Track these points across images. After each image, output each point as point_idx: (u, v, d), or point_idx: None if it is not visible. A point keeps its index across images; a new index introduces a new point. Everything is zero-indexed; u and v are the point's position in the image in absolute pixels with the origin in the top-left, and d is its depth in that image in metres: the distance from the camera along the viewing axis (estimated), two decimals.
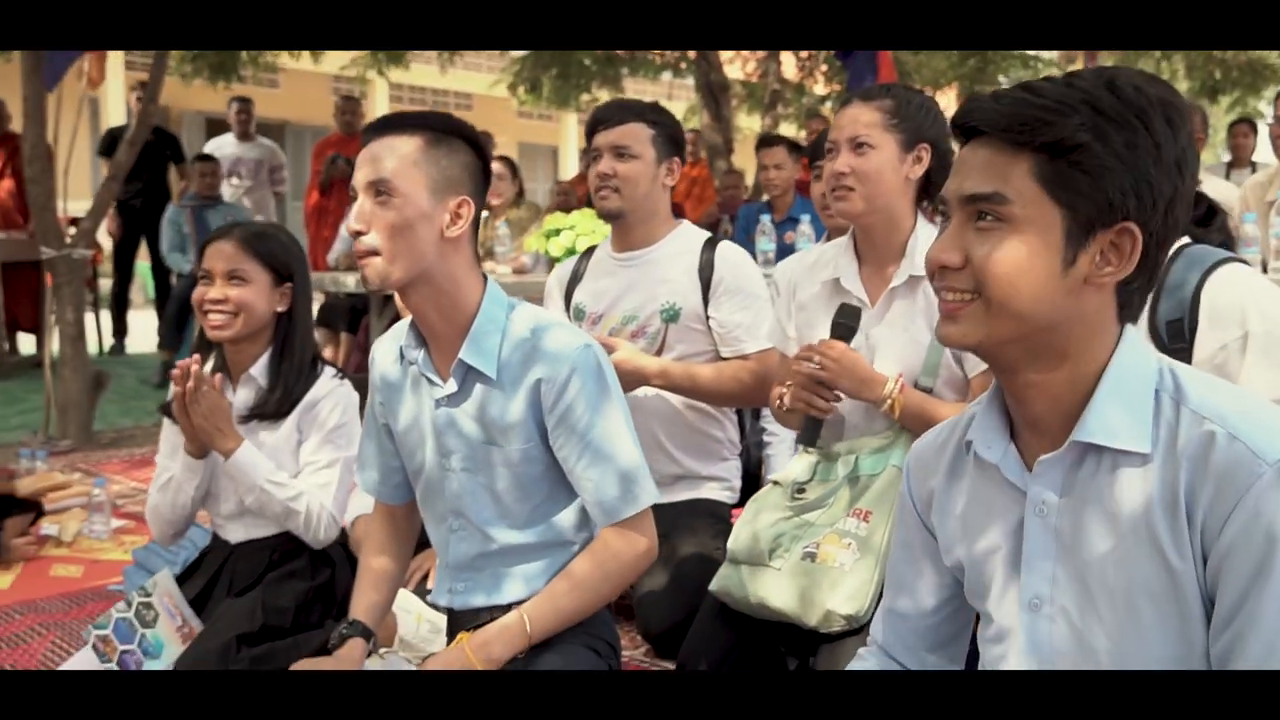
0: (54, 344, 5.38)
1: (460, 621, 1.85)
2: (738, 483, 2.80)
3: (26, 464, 4.31)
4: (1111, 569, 1.13)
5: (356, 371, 4.43)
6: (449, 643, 1.84)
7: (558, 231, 4.68)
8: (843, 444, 2.10)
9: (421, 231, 1.68)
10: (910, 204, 2.13)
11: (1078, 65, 6.94)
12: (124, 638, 2.06)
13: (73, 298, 5.26)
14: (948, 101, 10.49)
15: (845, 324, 2.07)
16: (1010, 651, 1.22)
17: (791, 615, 1.96)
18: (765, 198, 5.89)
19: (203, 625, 2.17)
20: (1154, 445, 1.11)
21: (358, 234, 1.69)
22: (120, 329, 8.31)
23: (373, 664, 1.85)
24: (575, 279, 2.81)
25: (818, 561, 1.96)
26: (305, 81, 14.70)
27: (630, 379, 2.45)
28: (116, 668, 2.03)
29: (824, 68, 11.17)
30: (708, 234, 2.73)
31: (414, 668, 1.83)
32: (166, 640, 2.10)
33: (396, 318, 4.35)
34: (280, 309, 2.26)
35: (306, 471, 2.24)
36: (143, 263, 8.37)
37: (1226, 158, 7.91)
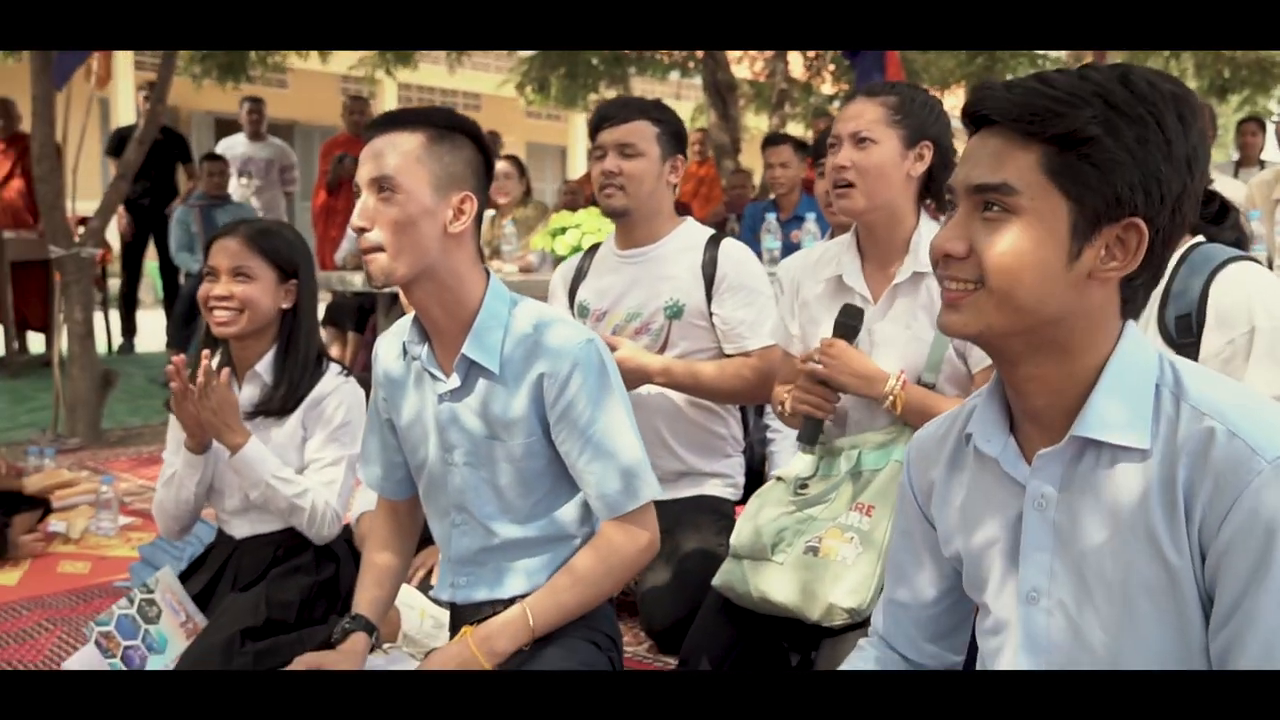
0: (63, 343, 5.40)
1: (463, 616, 1.85)
2: (741, 479, 2.80)
3: (35, 461, 4.33)
4: (1109, 563, 1.13)
5: (364, 370, 4.44)
6: (452, 637, 1.84)
7: (564, 230, 4.69)
8: (846, 439, 2.10)
9: (425, 227, 1.69)
10: (912, 201, 2.13)
11: None
12: (127, 634, 2.06)
13: (81, 296, 5.28)
14: (956, 101, 10.46)
15: (848, 324, 2.08)
16: (1007, 644, 1.22)
17: (793, 609, 1.96)
18: (772, 196, 5.89)
19: (207, 620, 2.18)
20: (1153, 440, 1.10)
21: (361, 230, 1.69)
22: (129, 328, 8.35)
23: (376, 659, 1.86)
24: (579, 276, 2.81)
25: (820, 556, 1.96)
26: (314, 82, 14.73)
27: (633, 377, 2.45)
28: (121, 663, 2.04)
29: (831, 67, 11.16)
30: (711, 231, 2.73)
31: (417, 662, 1.84)
32: (170, 635, 2.11)
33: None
34: (285, 306, 2.27)
35: (311, 468, 2.25)
36: (151, 262, 8.40)
37: (1236, 156, 7.90)
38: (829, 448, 2.11)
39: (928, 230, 2.10)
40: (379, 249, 1.68)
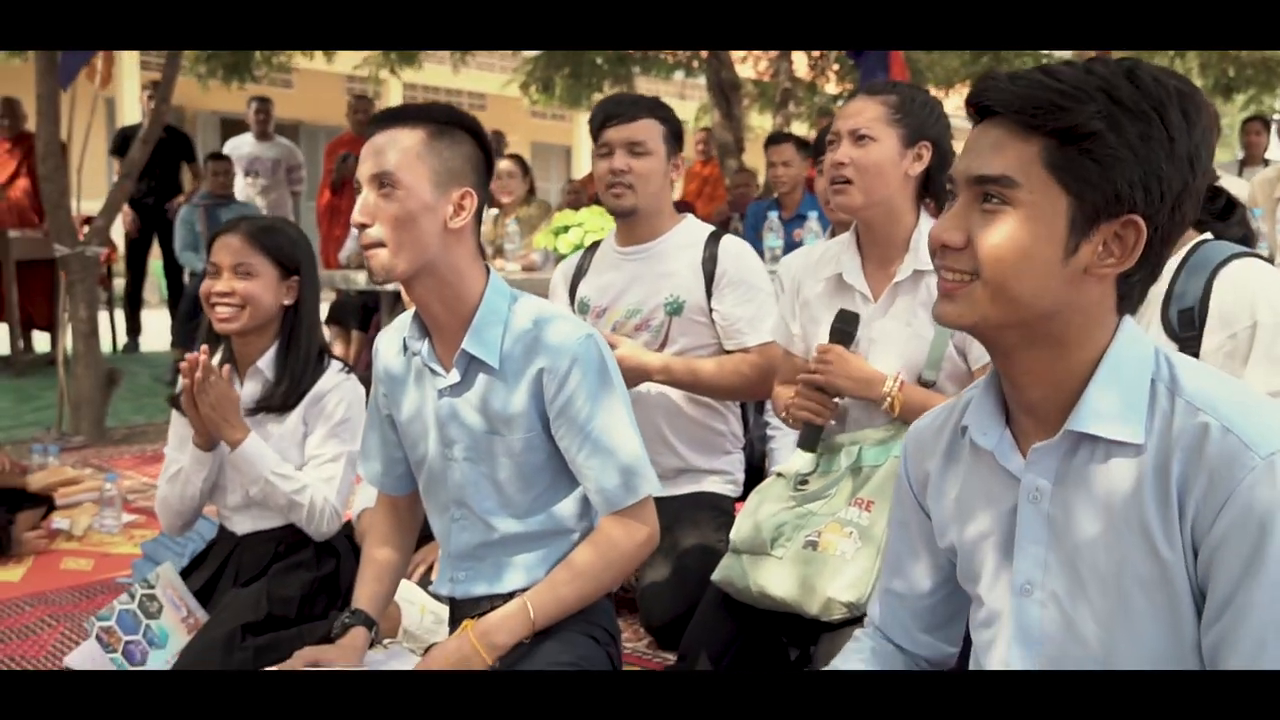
0: (67, 341, 5.41)
1: (462, 610, 1.86)
2: (741, 476, 2.80)
3: (39, 459, 4.34)
4: (1102, 557, 1.13)
5: (367, 369, 4.45)
6: (451, 632, 1.85)
7: (566, 228, 4.70)
8: (846, 435, 2.11)
9: (425, 223, 1.69)
10: (910, 200, 2.13)
11: None
12: (128, 629, 2.07)
13: (85, 295, 5.29)
14: (960, 100, 10.44)
15: (844, 329, 2.09)
16: (1000, 636, 1.22)
17: (792, 603, 1.97)
18: (774, 195, 5.89)
19: (208, 615, 2.19)
20: (1148, 435, 1.10)
21: (362, 226, 1.70)
22: (134, 327, 8.37)
23: (376, 654, 1.86)
24: (579, 273, 2.82)
25: (819, 550, 1.97)
26: (319, 82, 14.75)
27: (632, 375, 2.45)
28: (122, 658, 2.04)
29: (836, 67, 11.14)
30: (711, 228, 2.73)
31: (417, 657, 1.85)
32: (171, 630, 2.12)
33: None
34: (287, 302, 2.28)
35: (311, 465, 2.26)
36: (155, 262, 8.42)
37: (1240, 155, 7.90)
38: (829, 444, 2.13)
39: (928, 229, 2.10)
40: (380, 244, 1.69)
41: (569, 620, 1.76)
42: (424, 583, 2.46)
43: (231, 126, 11.33)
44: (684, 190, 9.80)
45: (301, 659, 1.76)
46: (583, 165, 18.40)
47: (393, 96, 15.57)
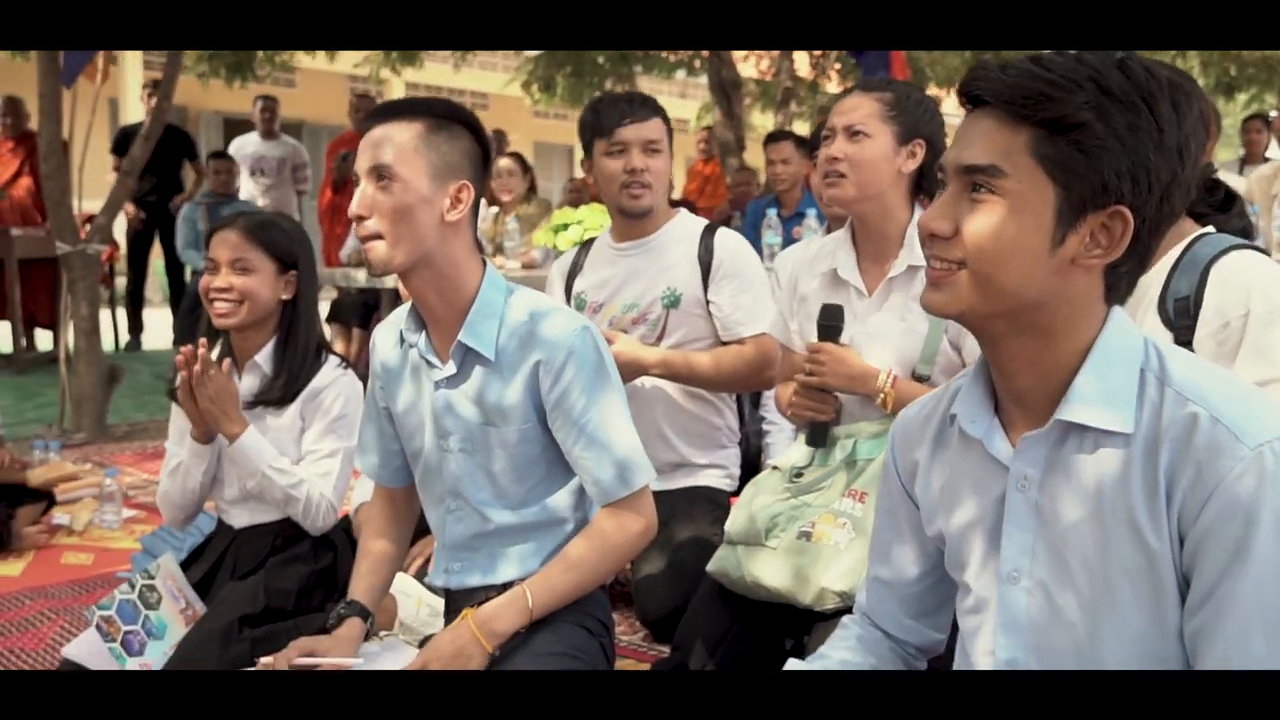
0: (69, 339, 5.43)
1: (457, 601, 1.87)
2: (737, 470, 2.81)
3: (40, 455, 4.36)
4: (1089, 545, 1.13)
5: (369, 366, 4.46)
6: (447, 623, 1.85)
7: (566, 226, 4.71)
8: (841, 428, 2.12)
9: (422, 216, 1.70)
10: (904, 196, 2.15)
11: None
12: (128, 619, 2.08)
13: (87, 293, 5.30)
14: None
15: (829, 325, 2.11)
16: (986, 623, 1.23)
17: (786, 593, 1.98)
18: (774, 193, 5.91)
19: (206, 608, 2.20)
20: (1136, 425, 1.10)
21: (360, 219, 1.71)
22: (136, 325, 8.38)
23: (372, 646, 1.87)
24: (575, 269, 2.83)
25: (813, 541, 1.98)
26: (322, 81, 14.77)
27: (629, 370, 2.46)
28: (120, 648, 2.05)
29: (837, 66, 11.15)
30: (705, 221, 2.75)
31: (413, 649, 1.86)
32: (170, 621, 2.13)
33: None
34: (285, 296, 2.29)
35: (308, 460, 2.27)
36: (157, 260, 8.43)
37: (1241, 153, 7.91)
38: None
39: None
40: (377, 236, 1.70)
41: (563, 611, 1.77)
42: (420, 576, 2.47)
43: (235, 126, 11.36)
44: (685, 189, 9.82)
45: (297, 648, 1.76)
46: None
47: (395, 96, 15.58)
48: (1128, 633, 1.12)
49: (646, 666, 2.53)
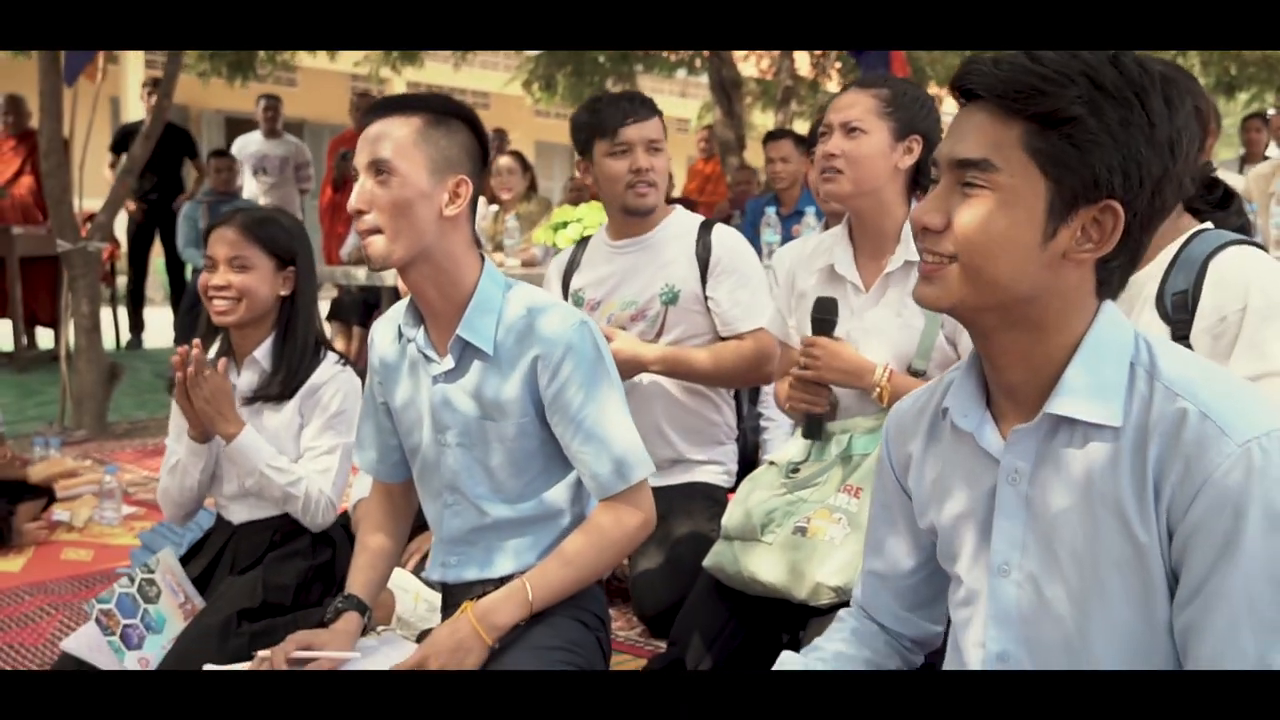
0: (70, 337, 5.44)
1: (453, 595, 1.88)
2: (734, 466, 2.82)
3: (40, 453, 4.37)
4: (1079, 538, 1.14)
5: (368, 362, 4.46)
6: (445, 617, 1.86)
7: (565, 224, 4.71)
8: (837, 424, 2.13)
9: (421, 210, 1.71)
10: (901, 192, 2.15)
11: None
12: (127, 612, 2.09)
13: (88, 290, 5.31)
14: None
15: (824, 319, 2.11)
16: (976, 615, 1.23)
17: (781, 588, 1.98)
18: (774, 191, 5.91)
19: (205, 602, 2.21)
20: (1126, 419, 1.11)
21: (359, 213, 1.72)
22: (137, 323, 8.39)
23: (369, 640, 1.87)
24: (572, 267, 2.83)
25: (808, 536, 1.99)
26: (323, 80, 14.78)
27: (629, 367, 2.47)
28: (119, 641, 2.06)
29: (838, 65, 11.16)
30: (701, 218, 2.76)
31: (410, 643, 1.86)
32: (169, 615, 2.14)
33: None
34: (284, 293, 2.29)
35: (307, 457, 2.27)
36: (158, 259, 8.44)
37: (1241, 152, 7.91)
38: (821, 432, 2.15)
39: None
40: (376, 231, 1.71)
41: (559, 605, 1.77)
42: (418, 571, 2.47)
43: (236, 126, 11.37)
44: (685, 187, 9.82)
45: (294, 642, 1.77)
46: None
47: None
48: (1117, 626, 1.13)
49: (643, 662, 2.53)
